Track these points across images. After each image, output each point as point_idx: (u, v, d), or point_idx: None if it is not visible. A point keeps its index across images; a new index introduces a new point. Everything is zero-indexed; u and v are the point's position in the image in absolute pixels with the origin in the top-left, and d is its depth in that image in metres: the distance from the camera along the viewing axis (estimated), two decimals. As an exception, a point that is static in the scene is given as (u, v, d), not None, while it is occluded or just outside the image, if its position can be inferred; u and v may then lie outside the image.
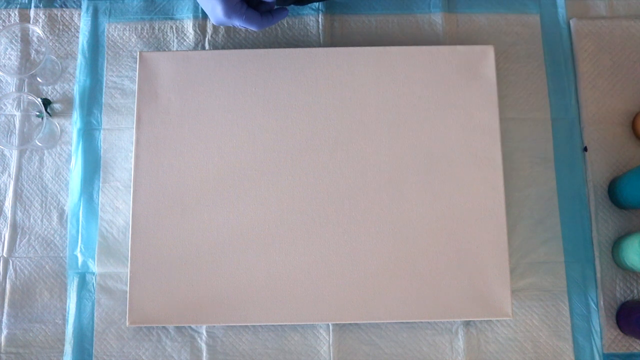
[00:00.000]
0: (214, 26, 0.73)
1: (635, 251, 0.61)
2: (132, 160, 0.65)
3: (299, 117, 0.66)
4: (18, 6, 0.74)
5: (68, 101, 0.72)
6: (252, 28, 0.58)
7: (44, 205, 0.69)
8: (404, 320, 0.64)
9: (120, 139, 0.70)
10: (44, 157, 0.71)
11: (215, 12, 0.57)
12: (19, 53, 0.73)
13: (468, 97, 0.66)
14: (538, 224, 0.68)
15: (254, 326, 0.66)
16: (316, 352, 0.65)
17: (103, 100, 0.71)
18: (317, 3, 0.73)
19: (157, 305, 0.63)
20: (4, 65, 0.72)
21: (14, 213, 0.69)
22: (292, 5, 0.73)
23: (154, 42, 0.73)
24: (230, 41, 0.73)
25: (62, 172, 0.70)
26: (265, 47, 0.73)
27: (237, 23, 0.58)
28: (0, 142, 0.70)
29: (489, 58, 0.67)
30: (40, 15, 0.74)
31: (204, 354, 0.65)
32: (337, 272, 0.63)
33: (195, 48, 0.72)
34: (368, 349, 0.65)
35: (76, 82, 0.72)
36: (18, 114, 0.71)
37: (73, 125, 0.71)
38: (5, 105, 0.71)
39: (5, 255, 0.68)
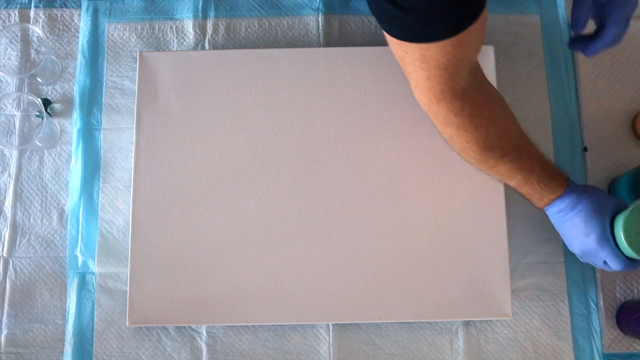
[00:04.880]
0: (214, 26, 0.73)
1: (620, 229, 0.55)
2: (132, 160, 0.65)
3: (299, 117, 0.66)
4: (18, 6, 0.74)
5: (68, 101, 0.72)
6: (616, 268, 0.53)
7: (44, 205, 0.69)
8: (404, 320, 0.64)
9: (120, 139, 0.70)
10: (44, 157, 0.70)
11: (584, 240, 0.53)
12: (19, 53, 0.73)
13: (468, 97, 0.66)
14: (538, 224, 0.68)
15: (254, 326, 0.66)
16: (316, 352, 0.65)
17: (103, 100, 0.71)
18: (317, 3, 0.73)
19: (157, 305, 0.63)
20: (4, 65, 0.72)
21: (14, 213, 0.69)
22: (292, 6, 0.73)
23: (154, 42, 0.73)
24: (230, 41, 0.73)
25: (62, 172, 0.70)
26: (265, 47, 0.73)
27: (604, 255, 0.52)
28: (0, 142, 0.70)
29: (489, 58, 0.67)
30: (40, 15, 0.74)
31: (204, 354, 0.65)
32: (337, 272, 0.63)
33: (195, 48, 0.72)
34: (368, 349, 0.65)
35: (76, 82, 0.72)
36: (18, 114, 0.71)
37: (73, 125, 0.71)
38: (5, 105, 0.71)
39: (5, 255, 0.68)
